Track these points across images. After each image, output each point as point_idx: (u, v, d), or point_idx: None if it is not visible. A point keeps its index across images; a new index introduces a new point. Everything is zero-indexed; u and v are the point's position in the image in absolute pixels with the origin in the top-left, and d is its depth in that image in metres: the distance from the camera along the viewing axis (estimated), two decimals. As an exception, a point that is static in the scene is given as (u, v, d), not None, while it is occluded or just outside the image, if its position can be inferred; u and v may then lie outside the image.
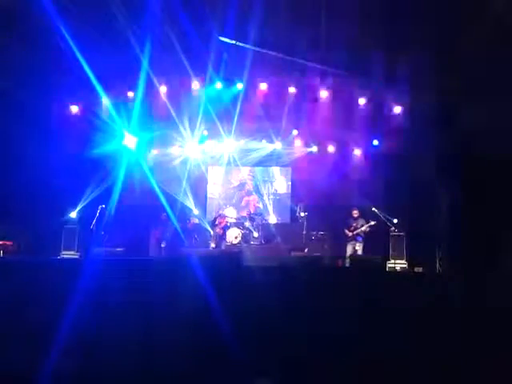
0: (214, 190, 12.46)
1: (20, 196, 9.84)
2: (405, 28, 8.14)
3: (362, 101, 10.11)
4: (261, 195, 12.33)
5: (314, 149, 11.76)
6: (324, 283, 5.42)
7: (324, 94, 10.33)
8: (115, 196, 10.76)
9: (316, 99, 10.84)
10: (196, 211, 11.73)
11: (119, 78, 10.83)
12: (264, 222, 11.60)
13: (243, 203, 12.28)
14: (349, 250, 10.25)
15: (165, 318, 4.83)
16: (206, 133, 11.68)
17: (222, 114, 11.06)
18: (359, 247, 10.21)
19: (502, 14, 6.93)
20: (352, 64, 9.44)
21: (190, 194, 11.76)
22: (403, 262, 9.73)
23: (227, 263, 6.56)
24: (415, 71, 8.97)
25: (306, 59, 9.54)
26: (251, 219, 11.43)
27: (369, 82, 9.99)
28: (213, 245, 10.72)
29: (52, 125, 10.76)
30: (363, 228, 10.16)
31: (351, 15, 8.08)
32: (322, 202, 11.17)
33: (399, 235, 10.00)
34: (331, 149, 11.68)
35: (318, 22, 8.42)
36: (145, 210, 11.17)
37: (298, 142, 11.82)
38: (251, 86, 10.82)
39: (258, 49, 9.36)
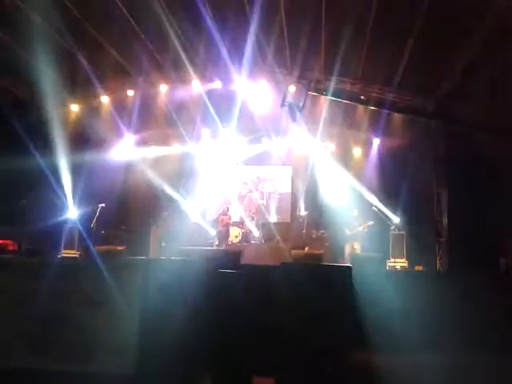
0: (216, 189, 12.44)
1: (20, 195, 9.83)
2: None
3: (361, 100, 10.09)
4: (262, 194, 12.33)
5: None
6: (324, 282, 5.41)
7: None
8: (115, 194, 10.78)
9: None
10: (197, 210, 11.72)
11: (119, 77, 10.83)
12: (265, 220, 11.60)
13: (245, 202, 12.27)
14: (348, 249, 10.26)
15: (164, 317, 4.83)
16: (205, 131, 11.68)
17: (223, 113, 11.05)
18: (358, 246, 10.21)
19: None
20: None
21: (190, 193, 11.75)
22: (403, 260, 9.73)
23: (227, 262, 6.55)
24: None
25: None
26: (252, 218, 11.43)
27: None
28: (216, 242, 10.72)
29: (52, 123, 10.75)
30: (362, 228, 10.17)
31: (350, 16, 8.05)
32: (322, 200, 11.16)
33: (399, 234, 10.00)
34: (331, 148, 11.66)
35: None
36: (145, 209, 11.17)
37: (298, 141, 11.80)
38: (251, 85, 10.79)
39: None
